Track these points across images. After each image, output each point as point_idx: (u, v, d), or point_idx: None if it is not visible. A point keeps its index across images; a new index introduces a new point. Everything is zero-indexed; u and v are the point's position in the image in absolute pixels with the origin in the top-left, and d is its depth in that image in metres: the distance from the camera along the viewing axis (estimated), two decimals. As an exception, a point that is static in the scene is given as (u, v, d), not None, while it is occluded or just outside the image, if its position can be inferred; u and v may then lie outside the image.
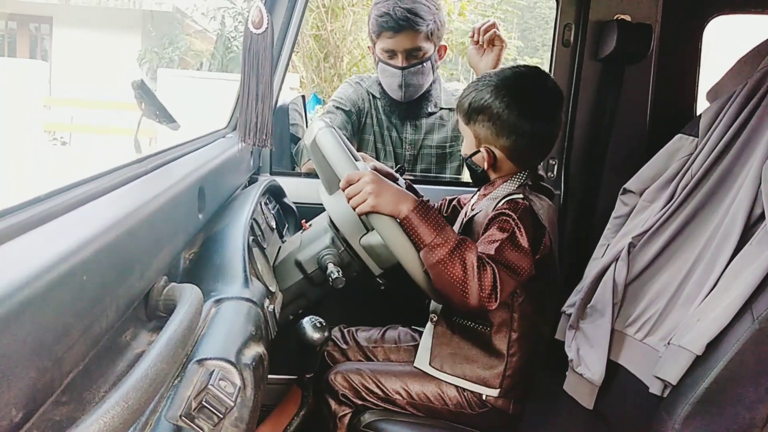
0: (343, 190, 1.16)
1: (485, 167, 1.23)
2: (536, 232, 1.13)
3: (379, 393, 1.26)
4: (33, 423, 0.46)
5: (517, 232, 1.10)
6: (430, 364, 1.27)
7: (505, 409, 1.22)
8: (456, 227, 1.30)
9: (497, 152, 1.21)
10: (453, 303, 1.10)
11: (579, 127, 1.77)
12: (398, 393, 1.25)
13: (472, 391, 1.23)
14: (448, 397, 1.24)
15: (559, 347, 1.46)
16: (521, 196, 1.16)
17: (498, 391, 1.21)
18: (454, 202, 1.47)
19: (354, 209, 1.14)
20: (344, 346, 1.46)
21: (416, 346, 1.35)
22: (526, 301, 1.20)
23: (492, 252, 1.08)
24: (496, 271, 1.06)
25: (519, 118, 1.16)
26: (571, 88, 1.77)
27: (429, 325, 1.31)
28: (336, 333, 1.51)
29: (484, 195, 1.28)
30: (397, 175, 1.46)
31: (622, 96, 1.71)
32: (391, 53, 1.90)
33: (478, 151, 1.22)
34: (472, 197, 1.36)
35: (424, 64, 1.92)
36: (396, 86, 1.94)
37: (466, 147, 1.26)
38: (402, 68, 1.90)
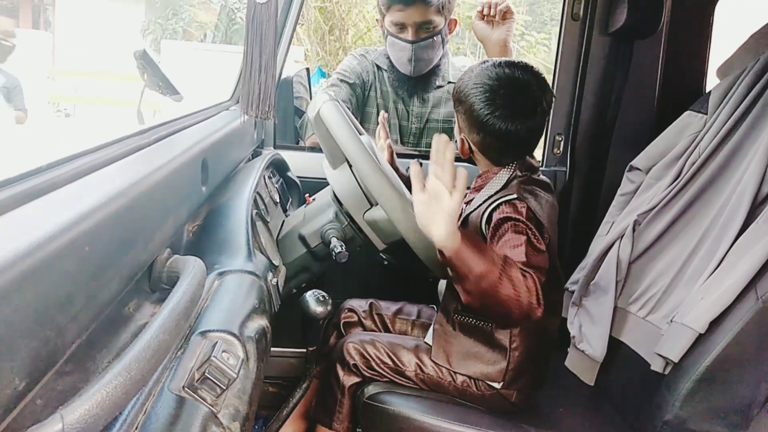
0: (425, 188, 1.00)
1: (463, 156, 1.23)
2: (538, 230, 1.11)
3: (390, 363, 1.27)
4: (36, 392, 0.46)
5: (530, 233, 1.09)
6: (431, 359, 1.27)
7: (509, 397, 1.23)
8: None
9: (472, 145, 1.21)
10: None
11: (586, 103, 1.75)
12: (410, 365, 1.27)
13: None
14: (458, 376, 1.25)
15: (561, 324, 1.46)
16: (515, 196, 1.12)
17: (501, 384, 1.22)
18: None
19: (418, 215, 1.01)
20: (362, 316, 1.49)
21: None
22: None
23: (524, 258, 1.04)
24: (534, 277, 1.01)
25: (491, 116, 1.12)
26: (579, 62, 1.74)
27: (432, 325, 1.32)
28: (353, 303, 1.52)
29: (477, 189, 1.24)
30: (387, 143, 1.49)
31: (631, 72, 1.69)
32: (401, 26, 1.87)
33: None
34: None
35: (435, 38, 1.89)
36: (405, 60, 1.92)
37: (455, 131, 1.27)
38: (412, 42, 1.87)
